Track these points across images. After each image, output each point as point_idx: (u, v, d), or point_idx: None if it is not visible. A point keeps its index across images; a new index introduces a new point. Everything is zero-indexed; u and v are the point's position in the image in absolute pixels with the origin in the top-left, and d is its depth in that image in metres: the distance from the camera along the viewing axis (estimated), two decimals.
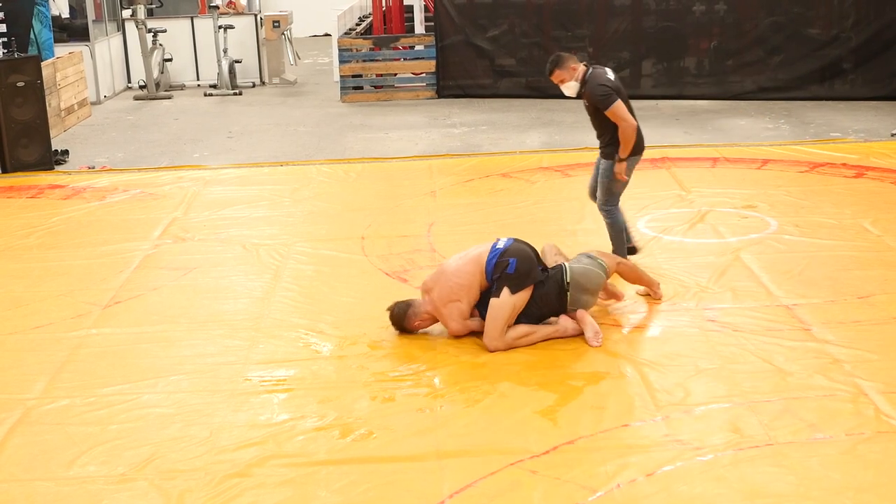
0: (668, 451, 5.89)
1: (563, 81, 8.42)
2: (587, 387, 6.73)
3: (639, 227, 9.88)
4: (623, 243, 8.70)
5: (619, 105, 8.22)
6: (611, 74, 8.41)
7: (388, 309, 7.60)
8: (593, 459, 5.83)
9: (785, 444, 5.92)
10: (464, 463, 5.86)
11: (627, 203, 10.60)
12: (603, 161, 8.61)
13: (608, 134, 8.46)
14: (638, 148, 8.49)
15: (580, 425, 6.23)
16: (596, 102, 8.30)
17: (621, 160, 8.41)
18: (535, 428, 6.23)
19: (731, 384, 6.67)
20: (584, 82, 8.34)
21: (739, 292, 8.22)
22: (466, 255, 7.54)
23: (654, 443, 6.00)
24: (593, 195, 8.85)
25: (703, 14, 16.98)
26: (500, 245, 7.48)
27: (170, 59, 19.62)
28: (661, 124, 14.83)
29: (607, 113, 8.28)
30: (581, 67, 8.38)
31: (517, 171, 12.27)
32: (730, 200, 10.67)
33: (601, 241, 9.50)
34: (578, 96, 8.43)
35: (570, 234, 9.78)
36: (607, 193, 8.62)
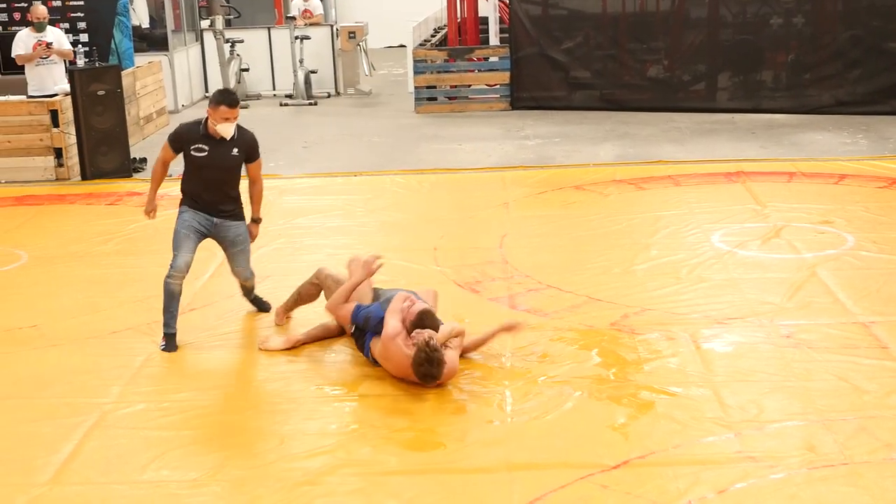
0: (741, 469, 5.83)
1: None
2: (659, 401, 6.68)
3: (713, 241, 9.80)
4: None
5: None
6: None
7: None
8: (665, 475, 5.79)
9: (860, 464, 5.83)
10: (534, 476, 5.85)
11: (702, 216, 10.57)
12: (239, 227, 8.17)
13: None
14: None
15: (652, 440, 6.19)
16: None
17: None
18: (607, 442, 6.19)
19: (806, 401, 6.59)
20: None
21: (815, 309, 8.12)
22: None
23: (726, 459, 5.94)
24: None
25: (780, 27, 16.80)
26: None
27: (247, 69, 19.83)
28: (736, 138, 14.70)
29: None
30: None
31: (590, 184, 12.24)
32: (806, 216, 10.55)
33: (678, 256, 9.45)
34: None
35: (643, 248, 9.73)
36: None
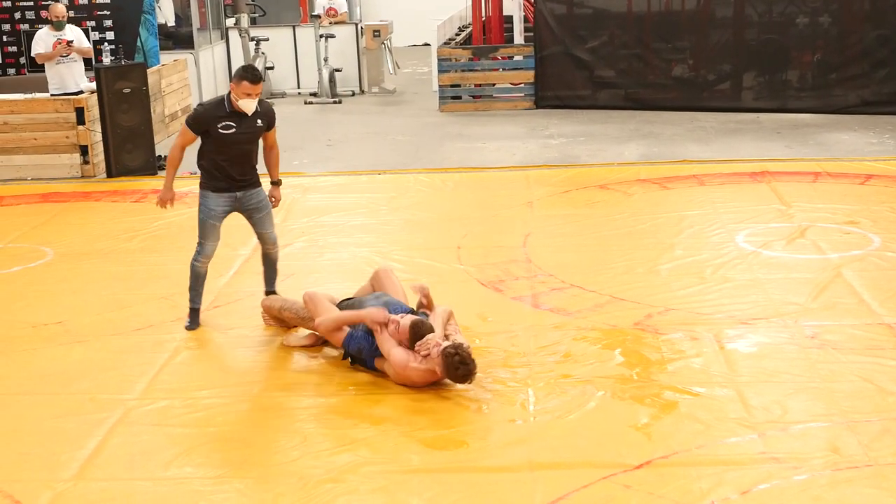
0: (765, 470, 5.81)
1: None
2: (683, 401, 6.66)
3: (738, 241, 9.77)
4: None
5: None
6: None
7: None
8: (688, 475, 5.78)
9: (885, 466, 5.80)
10: (556, 475, 5.84)
11: (726, 216, 10.54)
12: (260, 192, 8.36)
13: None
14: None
15: (675, 440, 6.18)
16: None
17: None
18: (630, 442, 6.18)
19: (830, 403, 6.56)
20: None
21: (840, 310, 8.08)
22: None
23: (750, 460, 5.92)
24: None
25: (806, 26, 16.72)
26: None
27: (271, 68, 19.87)
28: (761, 138, 14.64)
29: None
30: None
31: (615, 183, 12.21)
32: (831, 216, 10.50)
33: (702, 256, 9.43)
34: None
35: (667, 248, 9.71)
36: None
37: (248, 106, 7.91)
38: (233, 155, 8.04)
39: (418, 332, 6.97)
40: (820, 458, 5.91)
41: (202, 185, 8.19)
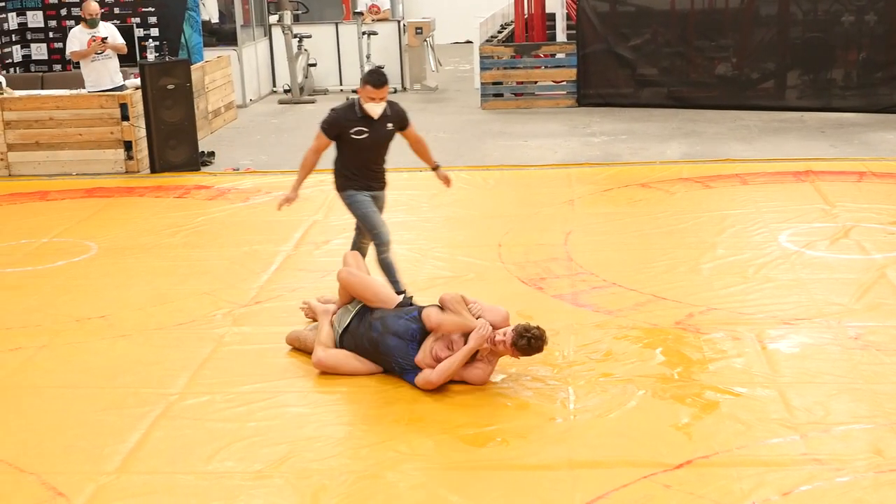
0: (806, 471, 5.77)
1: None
2: (724, 401, 6.63)
3: (780, 240, 9.71)
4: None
5: None
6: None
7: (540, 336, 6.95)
8: (728, 476, 5.75)
9: None
10: (596, 474, 5.83)
11: (769, 215, 10.48)
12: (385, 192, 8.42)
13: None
14: None
15: (715, 440, 6.15)
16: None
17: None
18: (670, 441, 6.16)
19: (874, 404, 6.51)
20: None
21: (884, 311, 8.01)
22: None
23: (791, 461, 5.89)
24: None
25: (852, 25, 16.58)
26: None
27: (314, 64, 19.94)
28: (805, 137, 14.54)
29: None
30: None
31: (656, 182, 12.17)
32: (876, 216, 10.41)
33: (745, 255, 9.38)
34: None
35: (709, 247, 9.66)
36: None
37: (374, 110, 7.86)
38: (366, 159, 8.07)
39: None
40: (863, 459, 5.87)
41: (342, 188, 8.18)
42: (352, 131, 7.91)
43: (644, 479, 5.75)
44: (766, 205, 10.97)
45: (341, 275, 7.56)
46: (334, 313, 7.55)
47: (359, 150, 8.01)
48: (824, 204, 10.93)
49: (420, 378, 6.91)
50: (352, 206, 8.19)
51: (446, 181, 8.56)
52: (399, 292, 7.95)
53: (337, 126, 7.97)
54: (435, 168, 8.51)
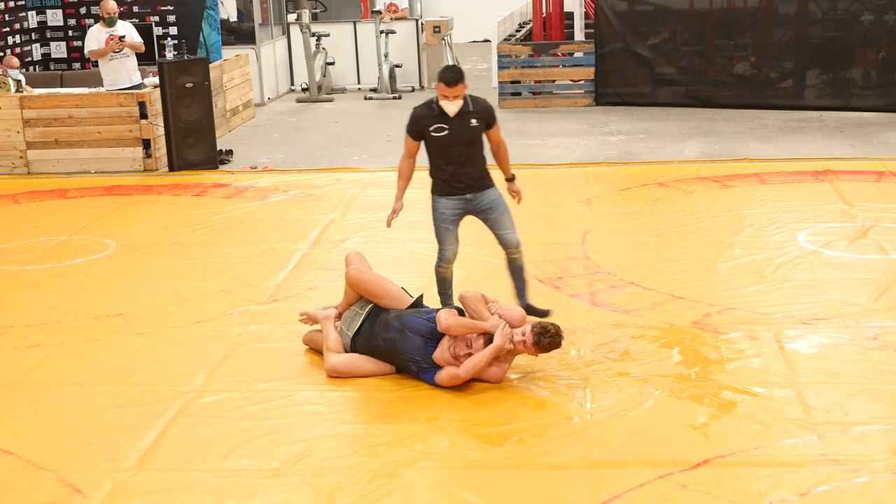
0: (824, 471, 5.75)
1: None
2: (741, 401, 6.61)
3: (799, 240, 9.68)
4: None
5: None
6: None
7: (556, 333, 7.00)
8: (746, 476, 5.73)
9: None
10: (612, 473, 5.83)
11: (787, 215, 10.45)
12: (492, 192, 7.96)
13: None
14: None
15: (733, 440, 6.13)
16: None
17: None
18: (687, 441, 6.15)
19: (892, 405, 6.48)
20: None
21: None
22: None
23: (808, 462, 5.87)
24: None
25: (871, 24, 16.51)
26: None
27: (332, 63, 19.96)
28: (824, 136, 14.48)
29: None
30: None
31: (674, 181, 12.14)
32: (894, 216, 10.36)
33: (763, 255, 9.36)
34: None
35: (727, 247, 9.63)
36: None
37: (449, 108, 7.60)
38: (452, 157, 7.74)
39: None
40: (881, 460, 5.84)
41: (432, 191, 7.95)
42: (431, 129, 7.66)
43: (661, 478, 5.73)
44: (785, 204, 10.94)
45: (351, 273, 7.53)
46: (337, 317, 7.55)
47: (442, 148, 7.73)
48: (843, 204, 10.89)
49: (444, 375, 6.91)
50: (432, 212, 7.98)
51: (517, 196, 8.15)
52: (445, 304, 7.84)
53: (417, 125, 7.75)
54: (509, 179, 8.14)
